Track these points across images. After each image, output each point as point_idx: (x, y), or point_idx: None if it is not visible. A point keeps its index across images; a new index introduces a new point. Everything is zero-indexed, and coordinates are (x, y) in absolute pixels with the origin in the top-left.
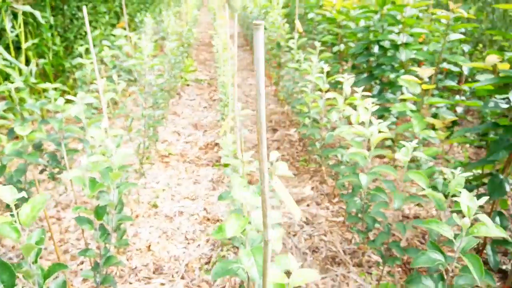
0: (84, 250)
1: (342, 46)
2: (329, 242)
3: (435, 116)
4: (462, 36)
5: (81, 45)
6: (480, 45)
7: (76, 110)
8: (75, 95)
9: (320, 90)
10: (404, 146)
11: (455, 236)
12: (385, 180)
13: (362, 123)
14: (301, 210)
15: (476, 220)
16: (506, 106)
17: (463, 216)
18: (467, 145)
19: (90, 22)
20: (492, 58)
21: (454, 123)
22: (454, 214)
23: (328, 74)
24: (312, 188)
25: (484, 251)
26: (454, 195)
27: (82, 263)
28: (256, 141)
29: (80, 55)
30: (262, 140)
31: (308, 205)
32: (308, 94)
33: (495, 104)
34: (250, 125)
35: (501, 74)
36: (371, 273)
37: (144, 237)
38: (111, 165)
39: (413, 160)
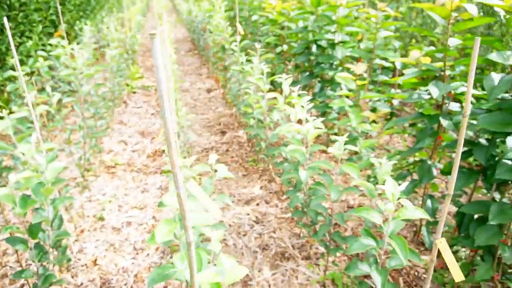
0: (19, 272)
1: (285, 47)
2: (279, 238)
3: (373, 109)
4: (391, 33)
5: (13, 57)
6: (414, 41)
7: (3, 126)
8: (11, 109)
9: (262, 91)
10: (337, 141)
11: (384, 221)
12: (323, 174)
13: (300, 121)
14: (251, 209)
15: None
16: (427, 97)
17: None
18: (406, 135)
19: (23, 32)
20: (415, 53)
21: (391, 115)
22: (380, 201)
23: (273, 74)
24: (261, 187)
25: (421, 232)
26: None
27: (22, 286)
28: (207, 145)
29: (12, 68)
30: (172, 147)
31: (257, 204)
32: (251, 96)
33: (418, 95)
34: (199, 129)
35: (423, 68)
36: (318, 265)
37: (90, 251)
38: (44, 180)
39: (356, 152)
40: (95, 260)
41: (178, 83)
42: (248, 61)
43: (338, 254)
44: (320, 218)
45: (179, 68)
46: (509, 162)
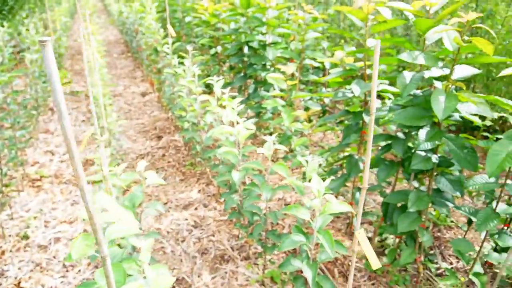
0: None
1: (219, 48)
2: (218, 241)
3: (307, 108)
4: (318, 34)
5: None
6: (343, 41)
7: None
8: None
9: (195, 93)
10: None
11: (312, 217)
12: (256, 175)
13: (232, 123)
14: (189, 214)
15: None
16: (351, 95)
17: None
18: (339, 131)
19: None
20: (339, 53)
21: (324, 112)
22: (305, 198)
23: (209, 76)
24: (199, 191)
25: (353, 224)
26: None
27: None
28: (142, 151)
29: None
30: (74, 157)
31: (196, 209)
32: (184, 99)
33: (343, 94)
34: (134, 135)
35: (346, 67)
36: (257, 264)
37: (12, 274)
38: None
39: (292, 150)
40: (19, 283)
41: (109, 88)
42: (181, 63)
43: (276, 251)
44: (257, 218)
45: (110, 71)
46: (422, 153)
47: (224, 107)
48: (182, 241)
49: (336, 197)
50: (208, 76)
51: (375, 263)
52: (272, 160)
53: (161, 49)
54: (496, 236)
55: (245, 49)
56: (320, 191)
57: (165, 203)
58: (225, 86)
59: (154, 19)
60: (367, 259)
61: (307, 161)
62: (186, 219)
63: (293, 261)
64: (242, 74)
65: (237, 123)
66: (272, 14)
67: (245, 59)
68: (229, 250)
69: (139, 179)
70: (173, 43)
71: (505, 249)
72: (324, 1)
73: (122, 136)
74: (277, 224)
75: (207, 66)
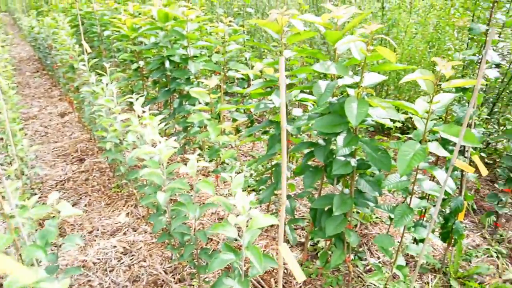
0: None
1: (141, 63)
2: (150, 266)
3: (235, 120)
4: (239, 46)
5: None
6: (266, 51)
7: None
8: None
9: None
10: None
11: (240, 234)
12: (182, 194)
13: (154, 142)
14: (117, 240)
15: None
16: (272, 105)
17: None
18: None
19: None
20: (259, 65)
21: (252, 122)
22: (231, 215)
23: (132, 91)
24: (128, 214)
25: (286, 231)
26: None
27: None
28: (62, 177)
29: None
30: None
31: (124, 233)
32: (103, 118)
33: (265, 105)
34: (52, 160)
35: (267, 78)
36: (192, 285)
37: None
38: None
39: (223, 162)
40: None
41: (21, 110)
42: (99, 80)
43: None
44: (187, 237)
45: (23, 91)
46: (342, 158)
47: (145, 125)
48: (111, 271)
49: (268, 206)
50: (132, 91)
51: (299, 276)
52: (203, 175)
53: (77, 66)
54: (413, 229)
55: (167, 64)
56: (245, 207)
57: (90, 232)
58: (150, 101)
59: (68, 34)
60: (301, 264)
61: (231, 177)
62: (115, 246)
63: (225, 280)
64: (166, 88)
65: (159, 142)
66: (192, 27)
67: (168, 73)
68: (162, 274)
69: (51, 212)
70: (92, 58)
71: (422, 240)
72: (243, 13)
73: (37, 162)
74: (211, 240)
75: (132, 81)
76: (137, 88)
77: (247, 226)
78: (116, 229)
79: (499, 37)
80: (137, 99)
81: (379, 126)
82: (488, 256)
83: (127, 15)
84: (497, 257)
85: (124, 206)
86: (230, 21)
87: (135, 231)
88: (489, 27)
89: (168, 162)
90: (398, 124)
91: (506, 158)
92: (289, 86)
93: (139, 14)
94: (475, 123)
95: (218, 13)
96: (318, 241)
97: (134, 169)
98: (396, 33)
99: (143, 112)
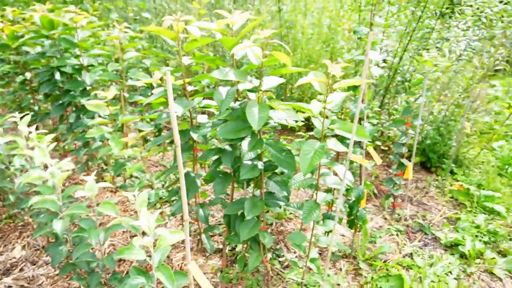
0: None
1: (28, 75)
2: None
3: (140, 131)
4: (136, 54)
5: None
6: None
7: None
8: None
9: None
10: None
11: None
12: (83, 219)
13: (45, 165)
14: (13, 279)
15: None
16: (176, 115)
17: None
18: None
19: None
20: (158, 74)
21: (160, 131)
22: (135, 238)
23: (20, 107)
24: (24, 247)
25: (202, 240)
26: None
27: None
28: None
29: None
30: None
31: (21, 270)
32: None
33: (167, 114)
34: None
35: None
36: None
37: None
38: None
39: (137, 177)
40: None
41: None
42: None
43: None
44: (94, 264)
45: None
46: (249, 162)
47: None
48: None
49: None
50: (21, 107)
51: None
52: (111, 191)
53: None
54: (321, 222)
55: (57, 75)
56: (150, 228)
57: None
58: (43, 117)
59: None
60: (221, 271)
61: (134, 196)
62: (10, 287)
63: None
64: (60, 102)
65: (51, 165)
66: (84, 35)
67: (60, 85)
68: None
69: None
70: None
71: (331, 231)
72: (139, 20)
73: None
74: (124, 261)
75: (19, 95)
76: (26, 103)
77: (154, 246)
78: (10, 266)
79: (383, 34)
80: (22, 117)
81: (285, 126)
82: (389, 235)
83: (6, 22)
84: (397, 234)
85: (18, 238)
86: (126, 27)
87: (35, 264)
88: (370, 29)
89: (68, 183)
90: (301, 123)
91: (396, 145)
92: (193, 93)
93: (23, 19)
94: (368, 115)
95: (112, 19)
96: (236, 246)
97: (28, 195)
98: (294, 34)
99: (30, 132)
